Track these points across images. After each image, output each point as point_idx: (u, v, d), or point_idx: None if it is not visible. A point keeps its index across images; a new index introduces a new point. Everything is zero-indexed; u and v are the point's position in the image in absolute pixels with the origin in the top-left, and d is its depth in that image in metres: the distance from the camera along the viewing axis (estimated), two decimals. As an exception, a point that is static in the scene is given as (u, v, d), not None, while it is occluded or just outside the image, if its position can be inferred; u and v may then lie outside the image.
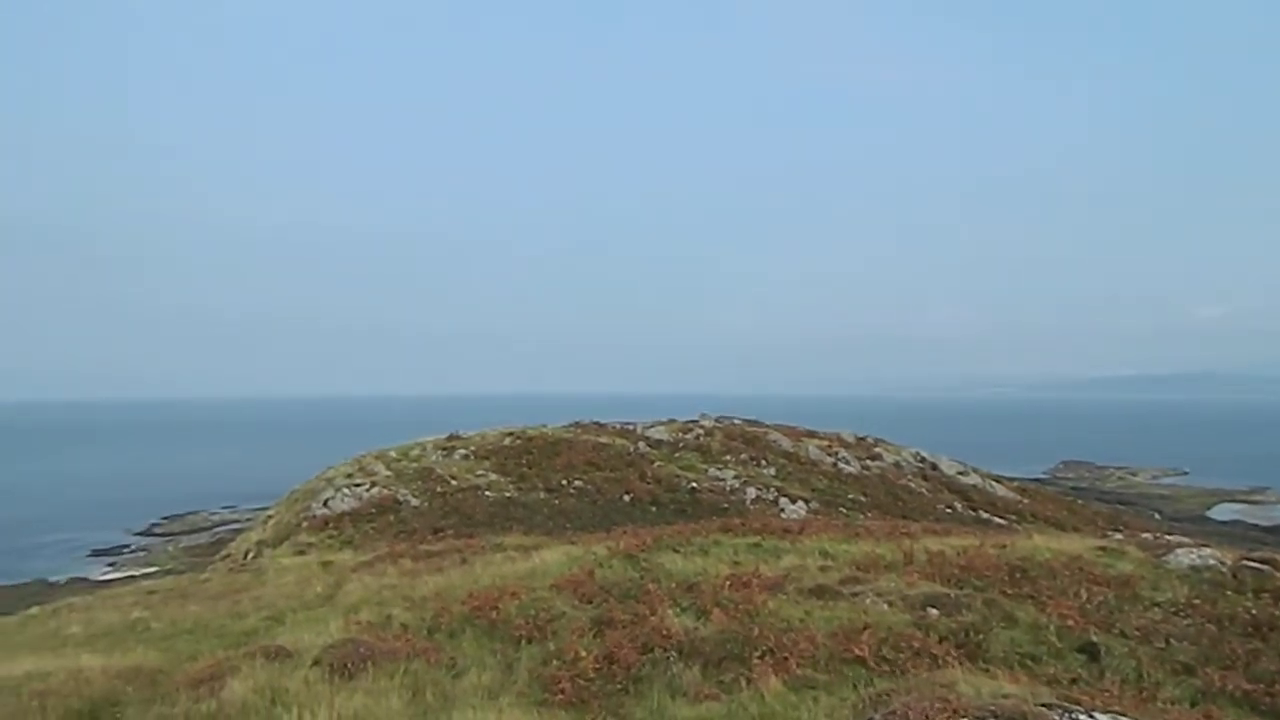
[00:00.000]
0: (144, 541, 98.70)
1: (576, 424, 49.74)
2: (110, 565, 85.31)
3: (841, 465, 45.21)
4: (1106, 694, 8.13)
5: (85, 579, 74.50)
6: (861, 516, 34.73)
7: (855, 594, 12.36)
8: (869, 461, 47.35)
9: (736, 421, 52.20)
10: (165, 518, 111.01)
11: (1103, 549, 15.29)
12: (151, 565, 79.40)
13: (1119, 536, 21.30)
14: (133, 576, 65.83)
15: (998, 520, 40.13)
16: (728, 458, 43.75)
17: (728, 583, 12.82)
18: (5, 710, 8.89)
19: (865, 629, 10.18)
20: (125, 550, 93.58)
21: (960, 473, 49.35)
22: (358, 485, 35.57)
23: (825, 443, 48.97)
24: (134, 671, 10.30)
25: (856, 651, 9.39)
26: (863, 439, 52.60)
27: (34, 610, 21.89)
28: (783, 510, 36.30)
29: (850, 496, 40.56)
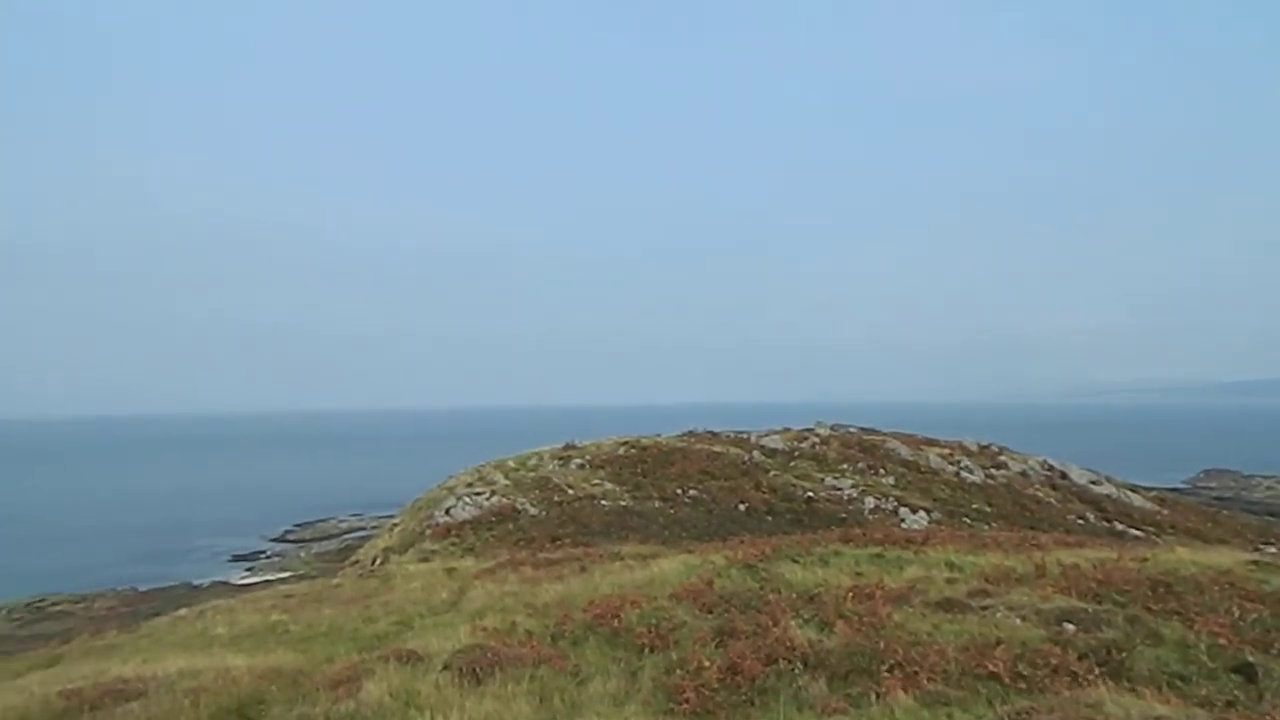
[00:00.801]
0: (279, 547, 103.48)
1: (690, 433, 49.75)
2: (248, 570, 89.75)
3: (964, 474, 43.84)
4: (1267, 718, 7.62)
5: (226, 582, 78.60)
6: (987, 527, 33.58)
7: (985, 608, 11.94)
8: (993, 470, 45.75)
9: (852, 429, 51.27)
10: (298, 525, 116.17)
11: (1255, 563, 14.37)
12: (286, 570, 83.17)
13: (1272, 550, 19.99)
14: (269, 581, 69.09)
15: (1134, 532, 38.18)
16: (844, 466, 42.99)
17: (850, 594, 12.59)
18: (162, 706, 9.43)
19: (998, 644, 9.82)
20: (262, 555, 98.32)
21: (1093, 481, 47.17)
22: (478, 494, 36.42)
23: (946, 451, 47.59)
24: (276, 672, 10.78)
25: (990, 667, 9.07)
26: (986, 447, 50.88)
27: (182, 611, 23.22)
28: (903, 520, 35.42)
29: (974, 506, 39.28)
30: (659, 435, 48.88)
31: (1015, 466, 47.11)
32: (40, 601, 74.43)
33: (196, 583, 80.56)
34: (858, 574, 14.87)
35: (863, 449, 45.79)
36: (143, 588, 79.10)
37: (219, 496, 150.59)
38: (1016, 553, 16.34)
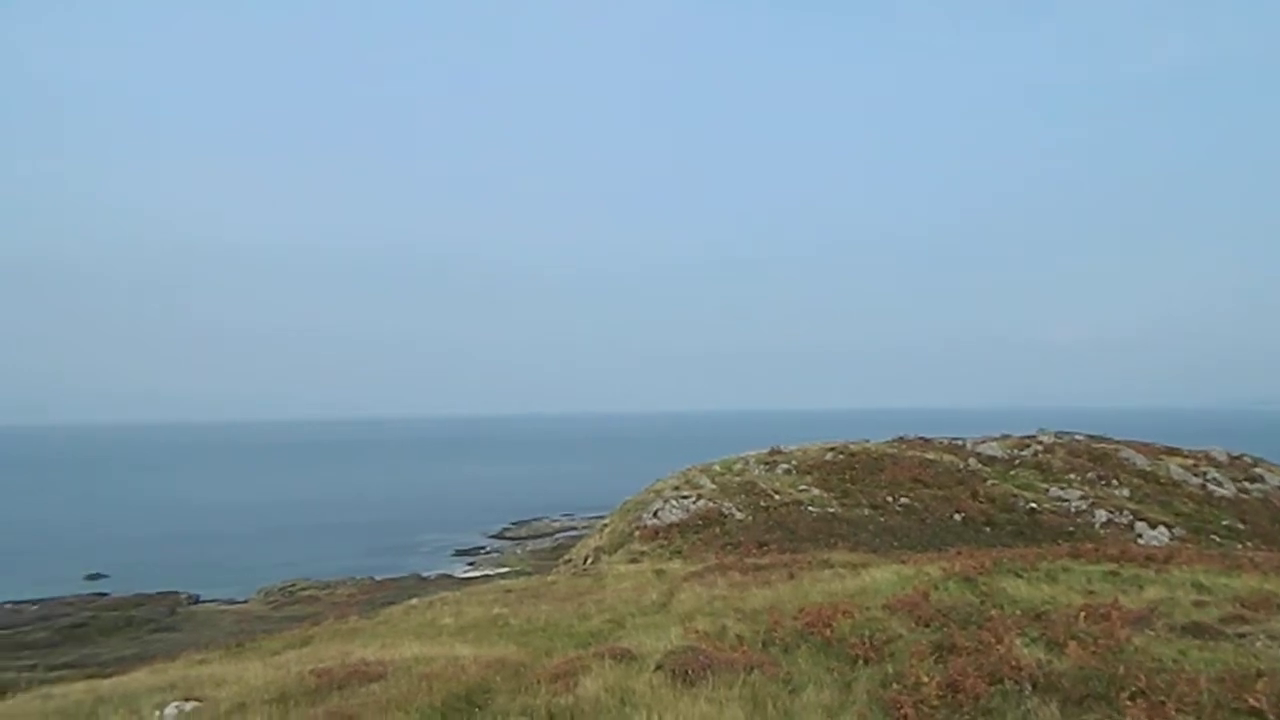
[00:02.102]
0: (497, 544, 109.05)
1: (900, 439, 48.18)
2: (470, 564, 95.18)
3: (1212, 487, 39.94)
4: None
5: (451, 575, 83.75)
6: (1239, 546, 30.46)
7: (1241, 635, 10.82)
8: (1246, 483, 41.42)
9: (1079, 437, 47.91)
10: (514, 523, 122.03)
11: None
12: (503, 566, 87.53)
13: None
14: (488, 575, 72.95)
15: None
16: (1071, 476, 40.24)
17: (1083, 613, 11.74)
18: (401, 688, 10.14)
19: (1259, 676, 8.86)
20: (482, 551, 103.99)
21: (1370, 498, 41.72)
22: (685, 498, 36.85)
23: (1190, 461, 43.55)
24: (500, 662, 11.35)
25: (1251, 701, 8.19)
26: (1238, 457, 46.13)
27: (414, 601, 24.89)
28: (1139, 536, 32.73)
29: (1224, 523, 35.71)
30: (867, 441, 47.65)
31: (1273, 480, 42.43)
32: (291, 586, 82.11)
33: (425, 574, 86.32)
34: (1089, 592, 13.87)
35: (1092, 458, 42.70)
36: (378, 577, 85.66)
37: (442, 496, 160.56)
38: (1278, 576, 14.71)
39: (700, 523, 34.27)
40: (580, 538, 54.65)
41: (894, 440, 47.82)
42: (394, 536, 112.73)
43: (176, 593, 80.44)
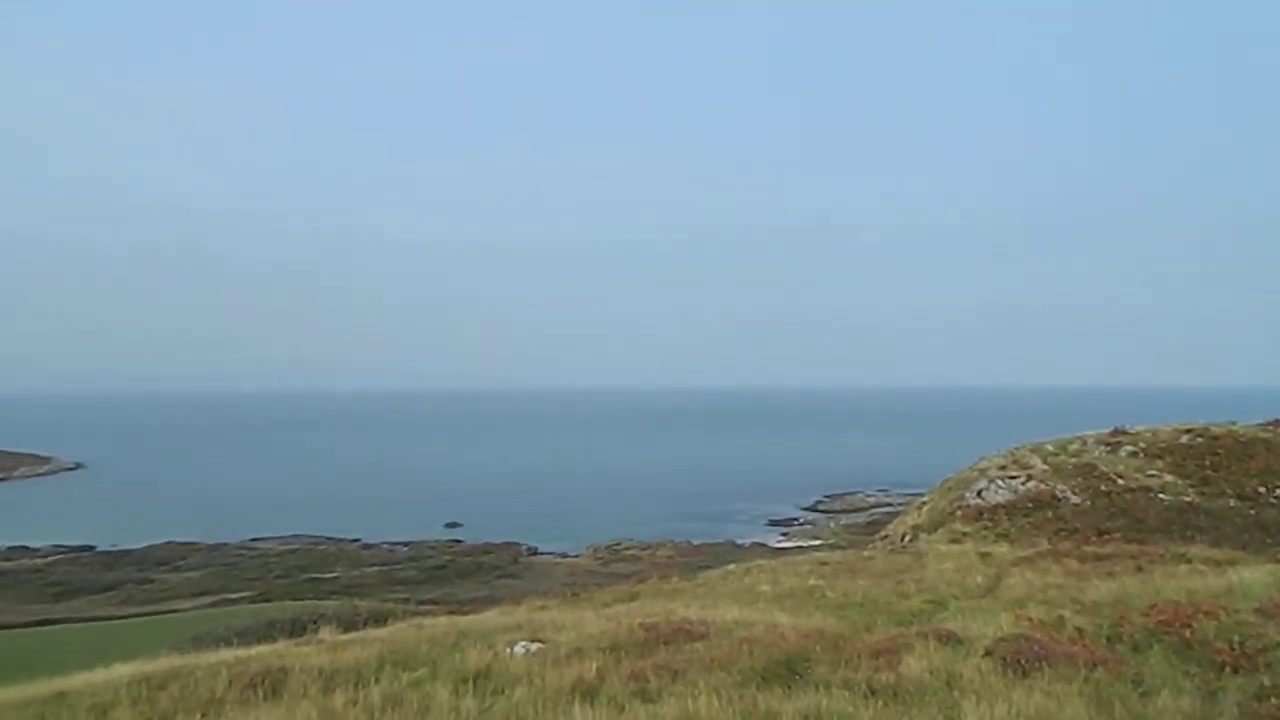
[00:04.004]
0: (810, 516, 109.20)
1: (1275, 421, 41.87)
2: (783, 535, 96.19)
3: None
4: None
5: (764, 544, 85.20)
6: None
7: None
8: None
9: None
10: (827, 496, 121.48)
11: None
12: (816, 538, 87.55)
13: None
14: (802, 547, 73.31)
15: None
16: None
17: None
18: (722, 649, 10.48)
19: None
20: (795, 523, 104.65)
21: None
22: (1012, 478, 34.62)
23: None
24: (818, 633, 11.36)
25: None
26: None
27: (730, 567, 25.61)
28: None
29: None
30: (1233, 423, 41.94)
31: None
32: (616, 545, 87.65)
33: (739, 542, 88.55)
34: None
35: None
36: (695, 542, 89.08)
37: (756, 466, 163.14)
38: None
39: (1030, 505, 32.02)
40: (896, 514, 53.19)
41: (1268, 423, 41.65)
42: (709, 504, 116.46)
43: (518, 544, 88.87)
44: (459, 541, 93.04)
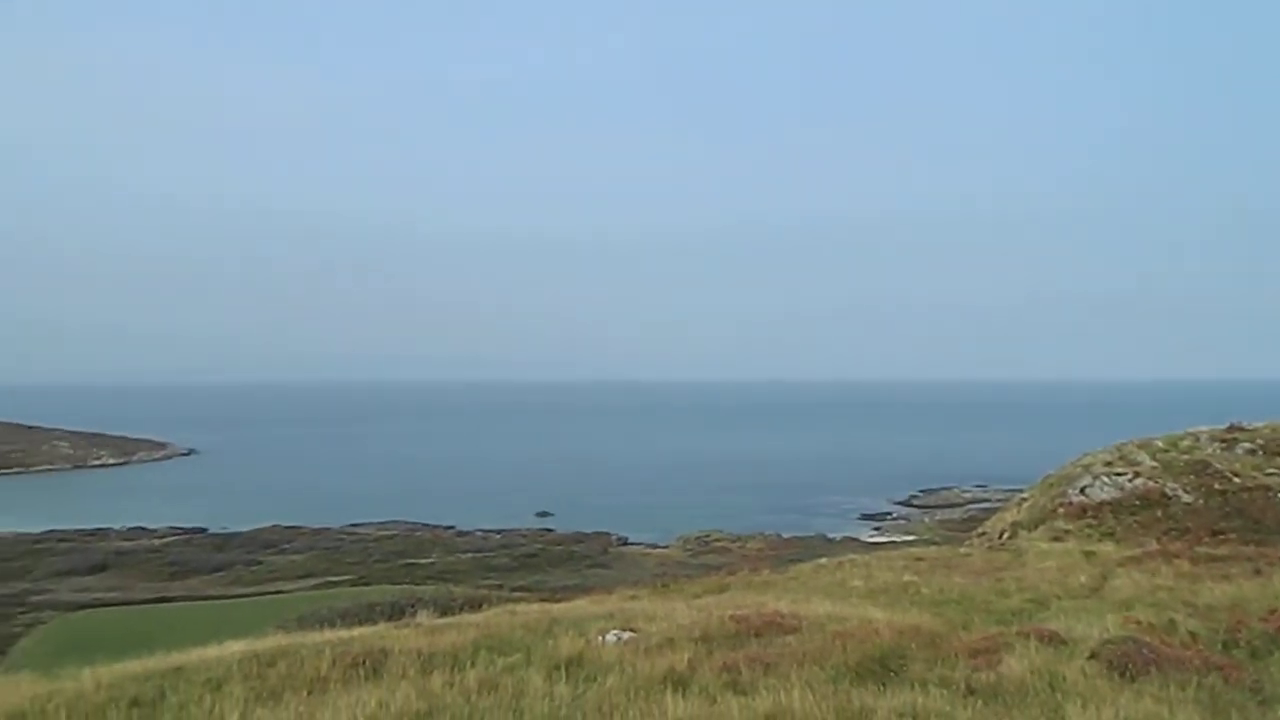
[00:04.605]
0: (903, 511, 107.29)
1: None
2: (876, 529, 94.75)
3: None
4: None
5: (855, 539, 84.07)
6: None
7: None
8: None
9: None
10: (922, 491, 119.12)
11: None
12: (910, 534, 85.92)
13: None
14: (895, 542, 72.04)
15: None
16: None
17: None
18: (815, 643, 10.37)
19: None
20: (888, 517, 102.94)
21: None
22: (1119, 474, 33.32)
23: None
24: (914, 630, 11.13)
25: None
26: None
27: (822, 561, 25.33)
28: None
29: None
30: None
31: None
32: (705, 536, 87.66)
33: (830, 536, 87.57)
34: None
35: None
36: (784, 534, 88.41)
37: (847, 459, 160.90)
38: None
39: (1137, 503, 30.79)
40: (993, 510, 51.83)
41: (1402, 419, 39.13)
42: (799, 497, 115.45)
43: (608, 534, 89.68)
44: (550, 530, 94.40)
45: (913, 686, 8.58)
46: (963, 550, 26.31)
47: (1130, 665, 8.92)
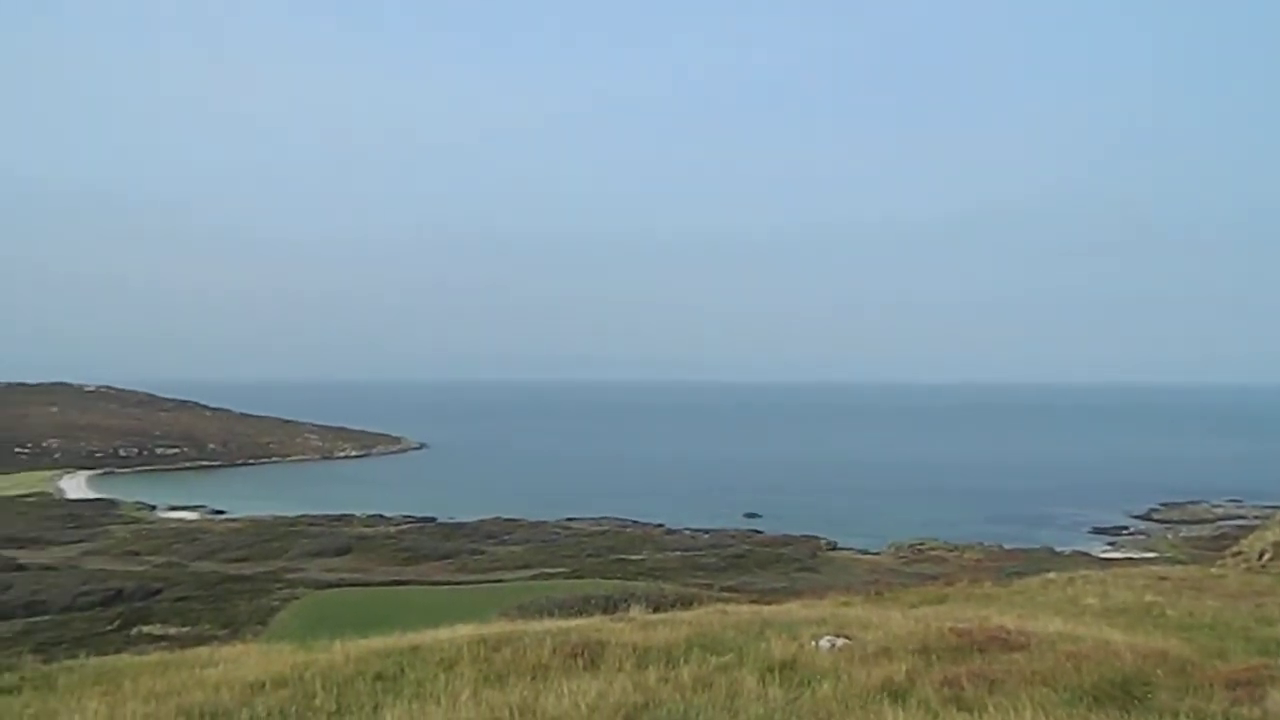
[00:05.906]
0: (1142, 525, 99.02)
1: None
2: (1110, 544, 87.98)
3: None
4: None
5: (1086, 554, 78.38)
6: None
7: None
8: None
9: None
10: (1164, 504, 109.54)
11: None
12: (1150, 550, 79.11)
13: None
14: (1131, 559, 66.53)
15: None
16: None
17: None
18: (1045, 662, 9.72)
19: None
20: (1124, 531, 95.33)
21: None
22: None
23: None
24: (1160, 655, 10.22)
25: None
26: None
27: (1051, 575, 23.75)
28: None
29: None
30: None
31: None
32: (920, 544, 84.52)
33: (1058, 549, 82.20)
34: None
35: None
36: (1007, 546, 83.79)
37: (1081, 468, 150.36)
38: None
39: None
40: (1250, 528, 46.85)
41: None
42: (1024, 506, 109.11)
43: (817, 538, 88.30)
44: (758, 532, 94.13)
45: (1160, 716, 7.88)
46: (1214, 571, 23.92)
47: None
